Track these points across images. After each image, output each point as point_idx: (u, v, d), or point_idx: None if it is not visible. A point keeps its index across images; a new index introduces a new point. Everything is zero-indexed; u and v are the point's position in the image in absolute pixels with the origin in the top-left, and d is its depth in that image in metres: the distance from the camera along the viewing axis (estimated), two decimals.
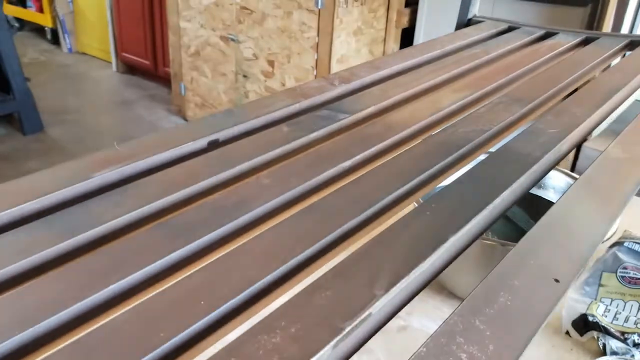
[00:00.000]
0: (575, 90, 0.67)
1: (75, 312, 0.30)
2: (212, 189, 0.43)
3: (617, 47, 0.83)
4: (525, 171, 0.44)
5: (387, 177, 0.44)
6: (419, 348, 0.27)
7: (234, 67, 2.74)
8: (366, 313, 0.29)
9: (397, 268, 0.32)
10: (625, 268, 0.84)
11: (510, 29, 0.94)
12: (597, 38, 0.88)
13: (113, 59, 3.61)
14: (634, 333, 0.79)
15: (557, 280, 0.33)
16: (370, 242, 0.35)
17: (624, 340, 0.79)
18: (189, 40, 2.87)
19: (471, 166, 0.47)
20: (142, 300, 0.30)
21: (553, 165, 0.48)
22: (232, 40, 2.66)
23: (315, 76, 2.46)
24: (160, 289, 0.31)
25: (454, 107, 0.59)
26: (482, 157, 0.51)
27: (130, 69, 3.59)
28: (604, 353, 0.80)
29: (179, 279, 0.32)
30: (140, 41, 3.35)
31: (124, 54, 3.52)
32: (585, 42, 0.88)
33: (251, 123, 0.54)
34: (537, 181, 0.46)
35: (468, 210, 0.38)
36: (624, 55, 0.85)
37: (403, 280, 0.31)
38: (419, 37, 2.39)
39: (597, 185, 0.44)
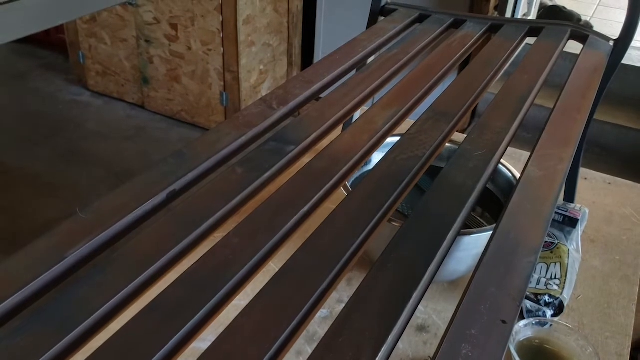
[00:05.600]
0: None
1: None
2: (186, 251, 0.46)
3: (520, 36, 0.90)
4: (463, 205, 0.50)
5: (344, 225, 0.48)
6: None
7: (135, 32, 2.62)
8: None
9: (375, 336, 0.37)
10: None
11: (421, 17, 0.99)
12: (502, 25, 0.95)
13: None
14: (545, 294, 0.91)
15: (504, 322, 0.40)
16: (347, 308, 0.39)
17: (537, 301, 0.90)
18: None
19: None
20: None
21: (483, 189, 0.55)
22: (131, 4, 2.54)
23: (223, 39, 2.42)
24: None
25: (387, 127, 0.64)
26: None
27: None
28: (520, 314, 0.91)
29: None
30: None
31: None
32: (491, 29, 0.95)
33: (204, 166, 0.56)
34: (473, 209, 0.53)
35: (423, 259, 0.44)
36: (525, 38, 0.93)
37: (384, 348, 0.36)
38: None
39: (522, 212, 0.51)
